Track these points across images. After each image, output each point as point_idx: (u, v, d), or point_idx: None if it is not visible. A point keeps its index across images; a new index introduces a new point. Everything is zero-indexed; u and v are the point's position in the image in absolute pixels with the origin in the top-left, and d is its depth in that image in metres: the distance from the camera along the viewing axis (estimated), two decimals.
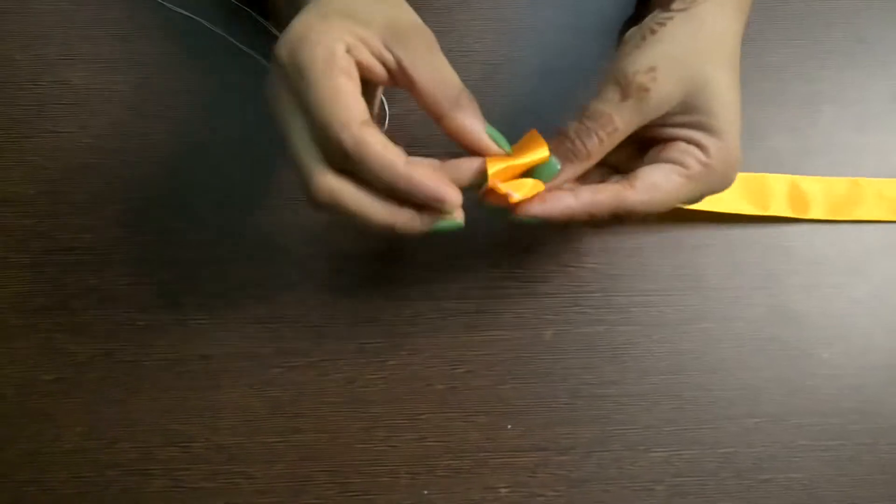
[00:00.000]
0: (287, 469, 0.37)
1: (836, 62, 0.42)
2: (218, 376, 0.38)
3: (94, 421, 0.38)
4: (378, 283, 0.39)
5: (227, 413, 0.38)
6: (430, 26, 0.41)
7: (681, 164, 0.30)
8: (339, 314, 0.39)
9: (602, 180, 0.32)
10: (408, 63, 0.28)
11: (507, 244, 0.40)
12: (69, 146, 0.40)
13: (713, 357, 0.39)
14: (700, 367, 0.39)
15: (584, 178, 0.32)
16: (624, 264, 0.40)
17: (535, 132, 0.30)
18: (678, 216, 0.39)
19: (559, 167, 0.30)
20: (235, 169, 0.40)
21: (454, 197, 0.28)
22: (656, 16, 0.30)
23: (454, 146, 0.30)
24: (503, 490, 0.37)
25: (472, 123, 0.29)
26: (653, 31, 0.30)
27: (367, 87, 0.29)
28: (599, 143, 0.29)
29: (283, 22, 0.30)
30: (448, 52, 0.41)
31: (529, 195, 0.30)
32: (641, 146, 0.32)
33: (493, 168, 0.29)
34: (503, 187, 0.29)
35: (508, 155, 0.30)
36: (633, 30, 0.31)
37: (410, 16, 0.30)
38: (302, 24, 0.28)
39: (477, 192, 0.30)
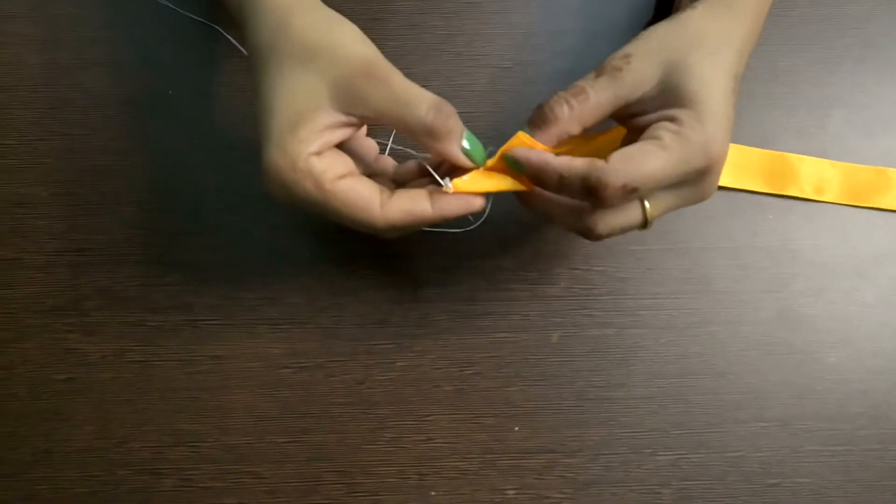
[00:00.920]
0: (296, 469, 0.38)
1: (845, 67, 0.42)
2: (228, 377, 0.38)
3: (106, 420, 0.38)
4: (387, 285, 0.39)
5: (236, 413, 0.38)
6: (439, 31, 0.43)
7: (655, 137, 0.29)
8: (348, 316, 0.39)
9: None
10: (368, 114, 0.30)
11: (515, 247, 0.40)
12: (82, 149, 0.40)
13: (721, 361, 0.39)
14: (707, 371, 0.39)
15: None
16: (632, 267, 0.40)
17: (522, 134, 0.31)
18: None
19: (528, 130, 0.31)
20: (246, 172, 0.40)
21: (477, 206, 0.31)
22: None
23: None
24: (510, 492, 0.38)
25: (445, 148, 0.30)
26: (637, 36, 0.31)
27: None
28: (569, 110, 0.30)
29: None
30: (457, 57, 0.42)
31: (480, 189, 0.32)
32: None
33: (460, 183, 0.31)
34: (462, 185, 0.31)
35: (478, 167, 0.31)
36: None
37: (347, 57, 0.30)
38: (273, 168, 0.29)
39: None
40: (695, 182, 0.30)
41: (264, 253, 0.40)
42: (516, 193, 0.32)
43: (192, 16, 0.42)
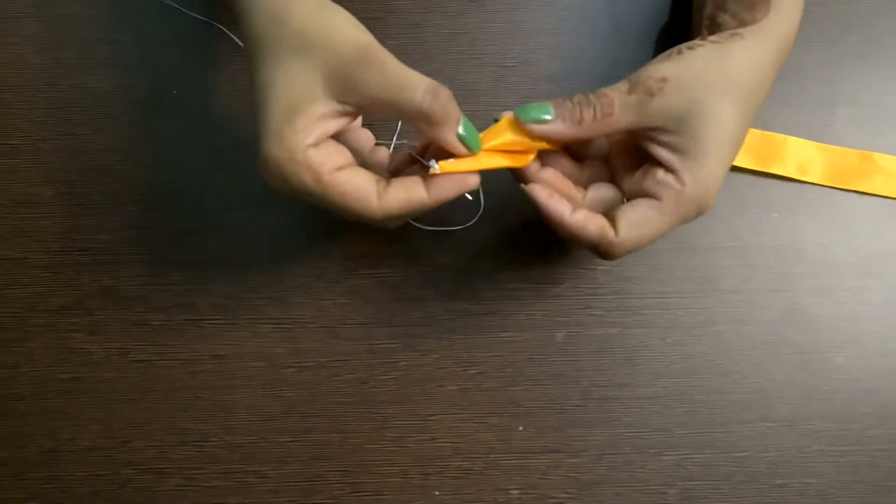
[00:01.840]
0: (299, 468, 0.38)
1: (851, 65, 0.42)
2: (231, 376, 0.38)
3: (110, 420, 0.38)
4: (390, 284, 0.39)
5: (240, 412, 0.38)
6: (442, 29, 0.42)
7: (656, 198, 0.31)
8: (352, 315, 0.39)
9: (599, 179, 0.34)
10: (363, 101, 0.29)
11: (518, 246, 0.40)
12: (86, 148, 0.41)
13: (726, 360, 0.39)
14: (713, 371, 0.39)
15: (582, 170, 0.34)
16: (637, 267, 0.40)
17: (507, 118, 0.31)
18: None
19: (550, 116, 0.31)
20: (249, 171, 0.40)
21: (472, 184, 0.31)
22: (695, 41, 0.32)
23: None
24: (514, 492, 0.37)
25: (441, 134, 0.30)
26: (680, 52, 0.31)
27: None
28: (593, 119, 0.30)
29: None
30: (460, 55, 0.42)
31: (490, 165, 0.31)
32: (638, 156, 0.33)
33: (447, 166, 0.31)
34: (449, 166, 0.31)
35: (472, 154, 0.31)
36: (672, 48, 0.32)
37: (340, 45, 0.29)
38: (272, 160, 0.29)
39: None
40: (686, 221, 0.32)
41: (268, 252, 0.40)
42: (542, 213, 0.32)
43: (195, 15, 0.42)
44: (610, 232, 0.31)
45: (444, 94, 0.29)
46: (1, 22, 0.42)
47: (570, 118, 0.31)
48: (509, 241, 0.40)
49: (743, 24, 0.32)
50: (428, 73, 0.41)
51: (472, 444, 0.38)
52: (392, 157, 0.35)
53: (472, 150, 0.31)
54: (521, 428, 0.38)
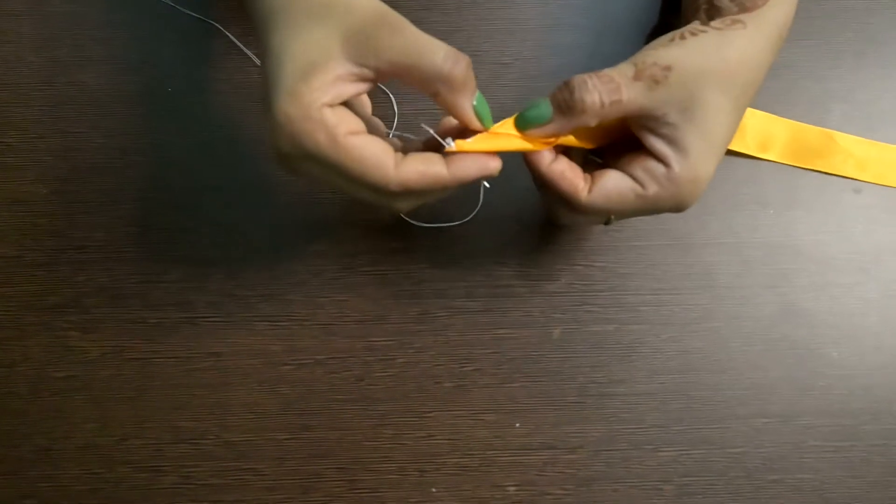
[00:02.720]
0: (296, 466, 0.38)
1: (847, 62, 0.42)
2: (228, 374, 0.38)
3: (106, 418, 0.38)
4: (386, 281, 0.39)
5: (236, 410, 0.38)
6: (439, 27, 0.42)
7: (640, 184, 0.30)
8: (348, 313, 0.39)
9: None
10: (381, 65, 0.28)
11: (515, 242, 0.40)
12: (82, 146, 0.40)
13: (722, 356, 0.39)
14: (709, 367, 0.39)
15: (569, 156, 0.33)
16: (633, 263, 0.40)
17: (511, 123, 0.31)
18: None
19: (549, 114, 0.30)
20: (244, 169, 0.40)
21: (493, 169, 0.30)
22: (696, 25, 0.31)
23: None
24: (511, 488, 0.37)
25: (459, 101, 0.29)
26: (683, 37, 0.30)
27: None
28: (599, 106, 0.29)
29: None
30: None
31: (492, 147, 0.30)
32: (632, 145, 0.32)
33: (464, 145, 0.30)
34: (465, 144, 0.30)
35: (486, 131, 0.30)
36: (672, 32, 0.32)
37: (360, 8, 0.28)
38: (284, 118, 0.27)
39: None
40: (663, 213, 0.32)
41: (264, 250, 0.39)
42: (524, 154, 0.32)
43: (190, 13, 0.42)
44: (582, 193, 0.31)
45: (465, 60, 0.28)
46: None
47: (571, 110, 0.29)
48: (506, 238, 0.40)
49: (744, 9, 0.31)
50: None
51: (468, 440, 0.38)
52: (404, 145, 0.33)
53: (484, 125, 0.30)
54: (517, 424, 0.38)
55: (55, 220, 0.40)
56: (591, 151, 0.34)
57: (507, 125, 0.30)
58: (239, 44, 0.41)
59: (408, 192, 0.29)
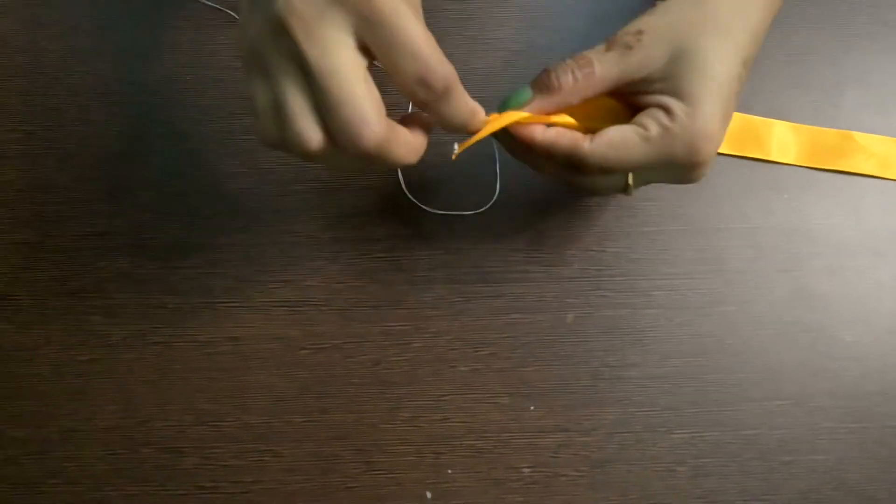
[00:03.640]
0: (314, 448, 0.38)
1: (860, 45, 0.42)
2: (247, 358, 0.39)
3: (128, 400, 0.39)
4: (402, 267, 0.40)
5: (255, 393, 0.39)
6: (452, 14, 0.43)
7: (643, 126, 0.30)
8: (365, 298, 0.40)
9: None
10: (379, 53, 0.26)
11: (528, 228, 0.40)
12: (102, 134, 0.41)
13: (735, 340, 0.39)
14: (722, 350, 0.39)
15: None
16: (646, 248, 0.40)
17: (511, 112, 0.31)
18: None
19: (529, 95, 0.30)
20: (262, 156, 0.41)
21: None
22: None
23: None
24: (526, 470, 0.38)
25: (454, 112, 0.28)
26: (654, 5, 0.31)
27: None
28: (574, 81, 0.30)
29: None
30: (470, 40, 0.42)
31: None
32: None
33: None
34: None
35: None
36: None
37: None
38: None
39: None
40: (679, 169, 0.31)
41: (282, 236, 0.40)
42: (516, 141, 0.32)
43: (207, 3, 0.42)
44: (584, 142, 0.30)
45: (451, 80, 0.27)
46: (17, 13, 0.42)
47: (548, 89, 0.30)
48: (519, 224, 0.40)
49: None
50: None
51: (483, 423, 0.38)
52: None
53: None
54: (532, 408, 0.39)
55: (77, 206, 0.40)
56: None
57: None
58: None
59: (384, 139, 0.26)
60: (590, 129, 0.31)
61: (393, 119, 0.28)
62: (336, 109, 0.25)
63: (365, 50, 0.26)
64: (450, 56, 0.41)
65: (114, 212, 0.40)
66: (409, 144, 0.28)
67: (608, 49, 0.30)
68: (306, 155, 0.27)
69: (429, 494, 0.38)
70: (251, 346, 0.39)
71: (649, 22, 0.30)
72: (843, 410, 0.38)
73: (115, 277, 0.40)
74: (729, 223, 0.40)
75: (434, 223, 0.40)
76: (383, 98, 0.27)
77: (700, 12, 0.30)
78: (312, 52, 0.25)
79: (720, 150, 0.40)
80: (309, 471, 0.38)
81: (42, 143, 0.41)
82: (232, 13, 0.42)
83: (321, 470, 0.38)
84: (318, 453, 0.38)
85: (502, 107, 0.31)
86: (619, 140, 0.30)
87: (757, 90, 0.41)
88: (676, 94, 0.29)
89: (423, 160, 0.29)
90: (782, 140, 0.41)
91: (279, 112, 0.26)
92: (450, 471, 0.38)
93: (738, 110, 0.41)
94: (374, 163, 0.27)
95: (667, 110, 0.29)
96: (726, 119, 0.30)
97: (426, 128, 0.30)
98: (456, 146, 0.31)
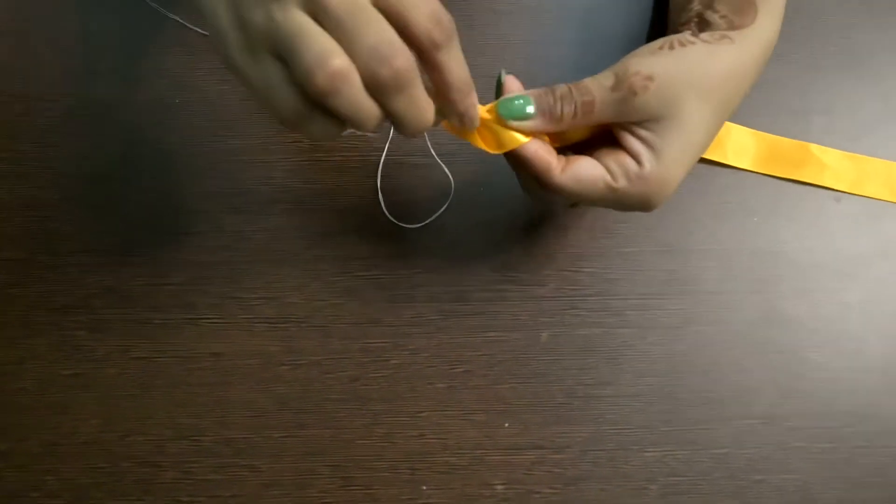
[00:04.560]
0: (292, 463, 0.39)
1: (828, 76, 0.43)
2: (228, 373, 0.40)
3: (110, 414, 0.39)
4: (381, 285, 0.41)
5: (235, 408, 0.39)
6: None
7: (611, 175, 0.31)
8: (345, 315, 0.40)
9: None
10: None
11: (506, 248, 0.41)
12: (92, 154, 0.42)
13: (707, 359, 0.40)
14: (694, 369, 0.40)
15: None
16: (620, 268, 0.41)
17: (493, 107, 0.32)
18: None
19: (531, 111, 0.31)
20: (247, 175, 0.42)
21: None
22: (685, 36, 0.32)
23: None
24: (499, 487, 0.38)
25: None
26: (672, 47, 0.31)
27: None
28: (573, 115, 0.31)
29: None
30: None
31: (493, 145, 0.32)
32: (610, 138, 0.33)
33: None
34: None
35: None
36: (662, 39, 0.33)
37: None
38: None
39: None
40: (628, 209, 0.33)
41: (264, 254, 0.41)
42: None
43: (198, 30, 0.44)
44: (555, 171, 0.31)
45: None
46: (11, 33, 0.44)
47: (549, 115, 0.31)
48: (497, 244, 0.41)
49: (732, 27, 0.32)
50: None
51: (458, 440, 0.39)
52: None
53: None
54: (506, 425, 0.39)
55: (65, 224, 0.41)
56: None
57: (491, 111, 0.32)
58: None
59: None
60: (560, 135, 0.33)
61: None
62: (361, 35, 0.24)
63: None
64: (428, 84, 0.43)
65: (101, 229, 0.41)
66: (425, 91, 0.27)
67: (615, 89, 0.30)
68: (335, 84, 0.25)
69: None
70: (232, 362, 0.40)
71: (662, 69, 0.30)
72: (814, 430, 0.39)
73: (100, 293, 0.41)
74: (701, 245, 0.41)
75: (413, 242, 0.41)
76: None
77: (707, 76, 0.31)
78: None
79: None
80: (286, 486, 0.39)
81: (32, 162, 0.42)
82: None
83: (298, 485, 0.39)
84: (296, 468, 0.39)
85: (504, 109, 0.31)
86: (587, 179, 0.31)
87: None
88: (654, 148, 0.31)
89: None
90: (739, 144, 0.42)
91: (300, 45, 0.24)
92: (424, 487, 0.39)
93: None
94: (399, 101, 0.26)
95: (639, 162, 0.31)
96: (686, 174, 0.32)
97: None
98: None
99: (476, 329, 0.40)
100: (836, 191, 0.42)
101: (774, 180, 0.42)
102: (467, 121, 0.30)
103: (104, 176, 0.42)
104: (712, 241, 0.41)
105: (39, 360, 0.40)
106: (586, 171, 0.31)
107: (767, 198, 0.42)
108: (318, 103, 0.25)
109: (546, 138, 0.32)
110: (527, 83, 0.43)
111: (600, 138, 0.33)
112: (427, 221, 0.41)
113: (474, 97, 0.30)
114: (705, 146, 0.32)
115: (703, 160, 0.42)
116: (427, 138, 0.42)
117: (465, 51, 0.44)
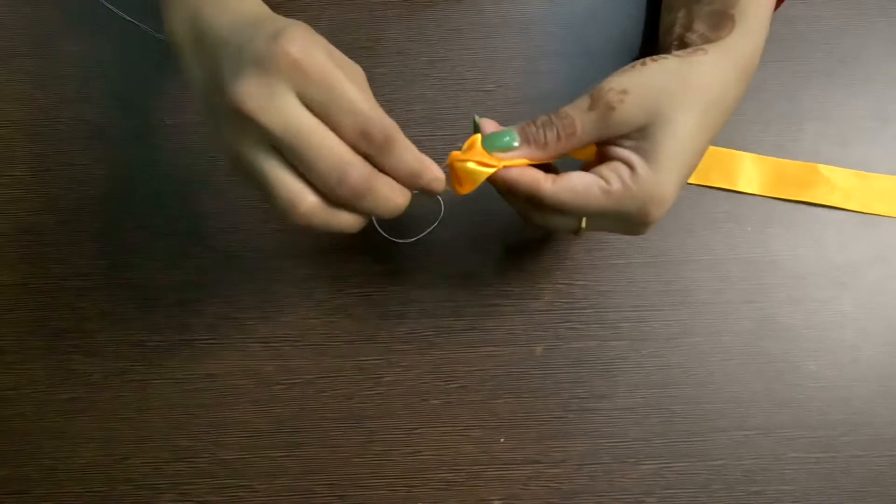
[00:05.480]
0: (289, 482, 0.39)
1: (818, 82, 0.43)
2: (223, 394, 0.40)
3: (107, 438, 0.40)
4: (374, 302, 0.41)
5: (231, 429, 0.40)
6: (424, 57, 0.44)
7: (605, 180, 0.31)
8: (338, 333, 0.41)
9: None
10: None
11: (498, 263, 0.41)
12: (86, 178, 0.43)
13: (702, 371, 0.40)
14: (689, 381, 0.40)
15: None
16: (613, 281, 0.41)
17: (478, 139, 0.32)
18: None
19: (517, 143, 0.31)
20: (239, 195, 0.42)
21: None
22: (660, 55, 0.32)
23: None
24: (496, 502, 0.39)
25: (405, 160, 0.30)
26: (644, 63, 0.32)
27: None
28: (556, 139, 0.31)
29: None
30: (441, 81, 0.44)
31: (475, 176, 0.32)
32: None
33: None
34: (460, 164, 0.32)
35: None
36: (636, 60, 0.33)
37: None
38: (289, 38, 0.27)
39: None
40: (628, 223, 0.32)
41: (257, 274, 0.41)
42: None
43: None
44: (545, 184, 0.31)
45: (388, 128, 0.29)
46: (5, 59, 0.44)
47: (534, 143, 0.31)
48: (489, 259, 0.41)
49: (708, 42, 0.33)
50: (411, 98, 0.44)
51: (454, 456, 0.39)
52: None
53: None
54: (502, 440, 0.39)
55: (60, 248, 0.42)
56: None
57: (470, 147, 0.32)
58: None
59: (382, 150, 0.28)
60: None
61: None
62: (314, 162, 0.28)
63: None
64: (423, 96, 0.44)
65: (95, 252, 0.42)
66: (392, 184, 0.30)
67: (591, 108, 0.31)
68: (308, 220, 0.29)
69: None
70: (227, 383, 0.40)
71: (635, 82, 0.31)
72: (810, 440, 0.39)
73: (95, 317, 0.41)
74: (695, 256, 0.41)
75: (405, 259, 0.41)
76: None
77: (684, 83, 0.31)
78: (273, 121, 0.27)
79: (689, 181, 0.41)
80: None
81: (28, 187, 0.42)
82: None
83: None
84: (293, 487, 0.39)
85: (489, 143, 0.32)
86: (580, 188, 0.31)
87: None
88: (644, 154, 0.31)
89: None
90: (747, 170, 0.42)
91: (270, 191, 0.29)
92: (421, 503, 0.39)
93: None
94: (364, 205, 0.29)
95: (631, 168, 0.31)
96: (681, 187, 0.32)
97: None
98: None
99: (470, 344, 0.40)
100: (846, 210, 0.41)
101: None
102: (435, 189, 0.31)
103: (98, 199, 0.42)
104: (706, 251, 0.41)
105: (36, 385, 0.40)
106: (579, 178, 0.31)
107: (760, 207, 0.42)
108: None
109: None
110: (516, 96, 0.44)
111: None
112: (419, 236, 0.41)
113: (429, 173, 0.30)
114: (695, 154, 0.32)
115: (711, 187, 0.42)
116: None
117: (454, 65, 0.44)
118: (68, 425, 0.40)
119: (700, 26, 0.34)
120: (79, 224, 0.42)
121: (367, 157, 0.29)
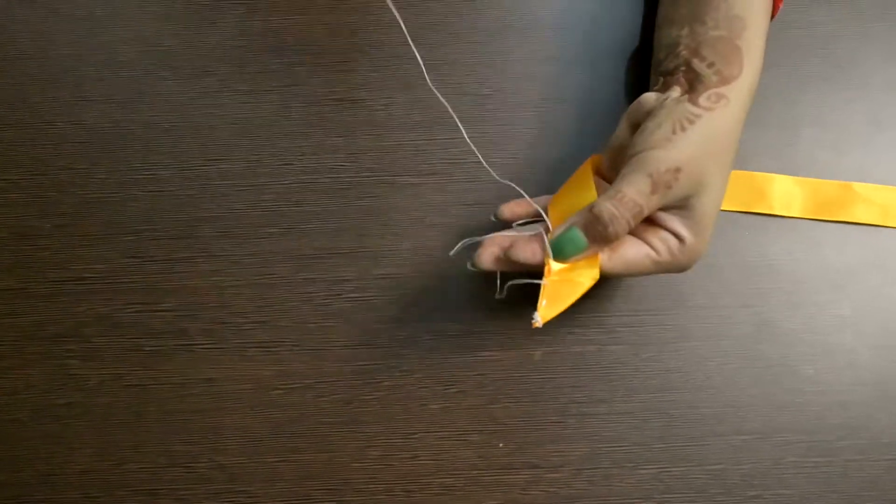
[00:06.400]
0: (287, 488, 0.39)
1: (815, 87, 0.43)
2: (221, 399, 0.40)
3: (104, 443, 0.39)
4: (373, 306, 0.41)
5: (229, 434, 0.39)
6: (422, 61, 0.44)
7: (655, 251, 0.34)
8: (336, 338, 0.41)
9: None
10: None
11: None
12: (83, 182, 0.42)
13: (700, 375, 0.40)
14: (687, 385, 0.40)
15: None
16: (611, 285, 0.41)
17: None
18: None
19: (585, 244, 0.33)
20: (237, 200, 0.42)
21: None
22: (687, 109, 0.33)
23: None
24: None
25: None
26: (682, 128, 0.33)
27: None
28: (626, 227, 0.33)
29: None
30: (440, 85, 0.44)
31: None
32: None
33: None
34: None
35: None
36: (656, 105, 0.34)
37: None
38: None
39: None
40: (668, 272, 0.35)
41: (256, 278, 0.41)
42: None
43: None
44: (606, 263, 0.34)
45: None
46: (2, 63, 0.44)
47: (603, 240, 0.33)
48: None
49: (723, 79, 0.34)
50: (409, 102, 0.44)
51: (453, 461, 0.39)
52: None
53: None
54: (501, 444, 0.39)
55: (57, 252, 0.42)
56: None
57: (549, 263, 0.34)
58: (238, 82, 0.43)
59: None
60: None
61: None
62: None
63: None
64: (421, 100, 0.44)
65: (93, 257, 0.41)
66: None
67: (653, 192, 0.32)
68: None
69: None
70: (225, 388, 0.40)
71: (684, 158, 0.32)
72: (808, 444, 0.39)
73: (93, 321, 0.41)
74: None
75: (403, 263, 0.41)
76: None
77: (718, 145, 0.33)
78: None
79: (723, 208, 0.41)
80: None
81: (25, 192, 0.42)
82: (210, 64, 0.44)
83: None
84: (291, 493, 0.39)
85: (560, 256, 0.34)
86: (634, 261, 0.34)
87: None
88: (689, 224, 0.33)
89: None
90: (785, 193, 0.42)
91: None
92: None
93: None
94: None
95: (680, 239, 0.34)
96: (713, 230, 0.34)
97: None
98: (538, 316, 0.33)
99: (468, 349, 0.40)
100: (886, 227, 0.41)
101: None
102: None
103: (96, 203, 0.42)
104: (704, 255, 0.41)
105: (33, 390, 0.40)
106: (633, 253, 0.34)
107: (758, 212, 0.42)
108: None
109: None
110: (516, 100, 0.44)
111: None
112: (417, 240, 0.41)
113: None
114: (721, 201, 0.34)
115: (748, 213, 0.42)
116: (415, 155, 0.42)
117: (454, 70, 0.44)
118: (65, 430, 0.40)
119: (709, 54, 0.35)
120: (75, 228, 0.42)
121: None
